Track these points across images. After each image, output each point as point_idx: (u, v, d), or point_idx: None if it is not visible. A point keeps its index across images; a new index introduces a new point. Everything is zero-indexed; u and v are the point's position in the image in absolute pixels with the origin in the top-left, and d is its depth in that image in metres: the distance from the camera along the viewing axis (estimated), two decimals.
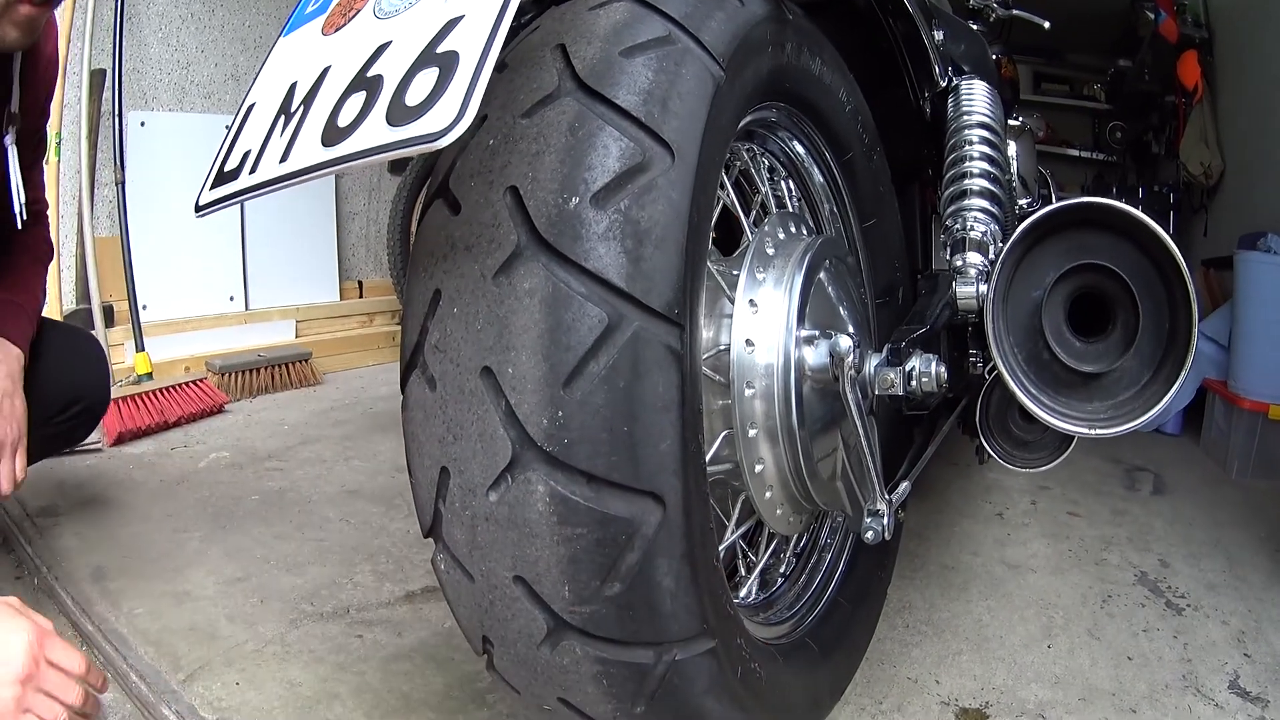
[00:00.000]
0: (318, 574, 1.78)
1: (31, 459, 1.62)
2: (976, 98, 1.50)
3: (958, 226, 1.32)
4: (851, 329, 1.19)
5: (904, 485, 1.26)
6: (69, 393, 1.64)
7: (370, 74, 0.71)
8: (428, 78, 0.66)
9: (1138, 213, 0.72)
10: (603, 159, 0.75)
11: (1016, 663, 1.60)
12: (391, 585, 1.76)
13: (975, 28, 2.25)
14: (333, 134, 0.69)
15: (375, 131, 0.66)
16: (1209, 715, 1.46)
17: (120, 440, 2.57)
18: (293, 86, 0.80)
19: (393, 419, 3.00)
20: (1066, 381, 0.85)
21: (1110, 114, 5.33)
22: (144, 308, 3.01)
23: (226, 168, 0.82)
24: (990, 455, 1.43)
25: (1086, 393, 0.85)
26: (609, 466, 0.72)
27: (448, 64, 0.66)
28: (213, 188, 0.82)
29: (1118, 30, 4.85)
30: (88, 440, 2.46)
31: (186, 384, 2.91)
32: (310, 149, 0.70)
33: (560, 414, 0.70)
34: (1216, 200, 4.17)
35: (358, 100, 0.70)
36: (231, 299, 3.43)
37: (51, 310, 2.55)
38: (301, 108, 0.76)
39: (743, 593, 1.28)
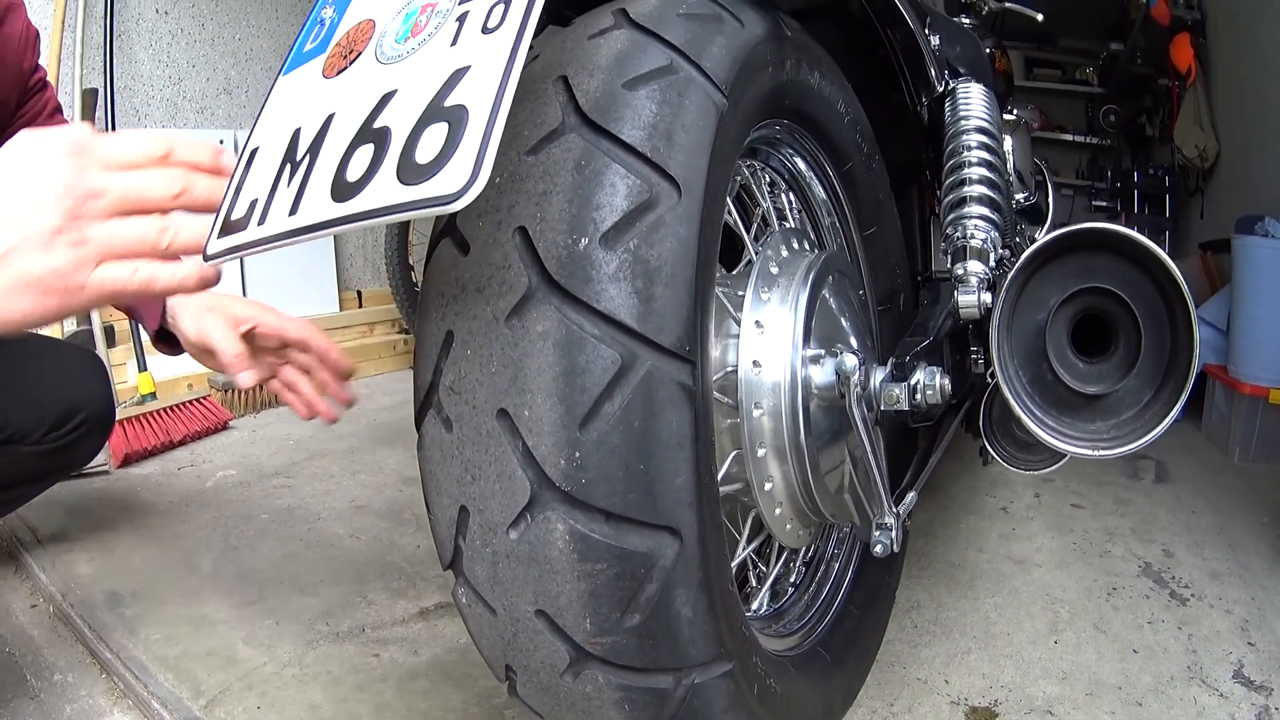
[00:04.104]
0: (331, 593, 1.80)
1: (41, 477, 1.63)
2: (974, 102, 1.51)
3: (958, 235, 1.33)
4: (855, 343, 1.20)
5: (910, 495, 1.27)
6: (67, 403, 1.59)
7: (376, 125, 0.71)
8: (437, 133, 0.66)
9: (1140, 237, 0.73)
10: (610, 198, 0.75)
11: (1024, 659, 1.61)
12: (405, 602, 1.77)
13: (968, 22, 2.26)
14: (343, 189, 0.69)
15: (387, 189, 0.66)
16: (1213, 706, 1.48)
17: (127, 462, 2.58)
18: (296, 133, 0.80)
19: (396, 431, 3.02)
20: (1069, 402, 0.86)
21: (1103, 98, 5.34)
22: None
23: (233, 215, 0.81)
24: (993, 458, 1.44)
25: (1089, 413, 0.86)
26: (626, 504, 0.73)
27: (457, 119, 0.66)
28: (220, 236, 0.82)
29: (1109, 14, 4.86)
30: (95, 463, 2.47)
31: (190, 402, 2.91)
32: (320, 203, 0.70)
33: (577, 455, 0.71)
34: (1212, 182, 4.19)
35: (366, 153, 0.70)
36: None
37: (53, 333, 2.55)
38: (307, 157, 0.76)
39: (755, 605, 1.29)
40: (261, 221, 0.76)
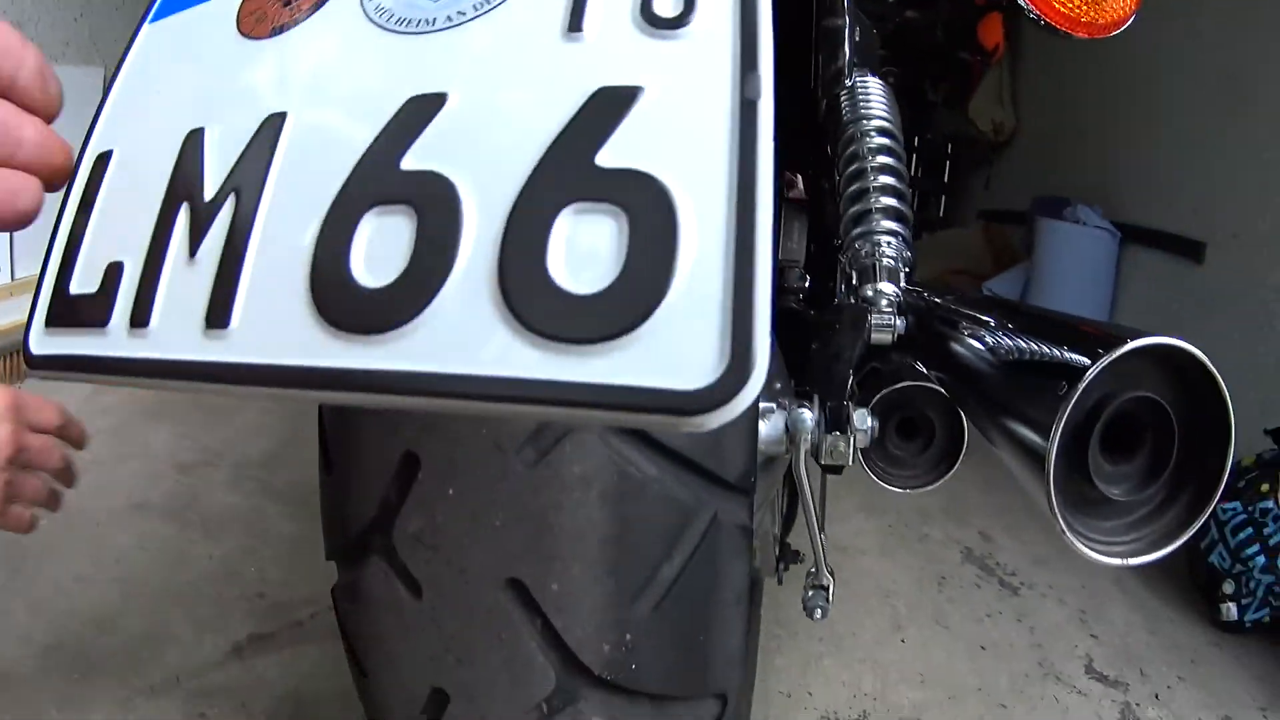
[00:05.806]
0: (131, 629, 1.51)
1: None
2: (873, 99, 1.41)
3: (865, 251, 1.23)
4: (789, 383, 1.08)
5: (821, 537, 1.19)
6: None
7: (409, 166, 0.33)
8: (598, 233, 0.30)
9: (1205, 359, 0.66)
10: None
11: (879, 663, 1.60)
12: (214, 636, 1.51)
13: None
14: (359, 310, 0.32)
15: (493, 340, 0.30)
16: (1076, 704, 1.51)
17: None
18: (195, 136, 0.39)
19: (160, 403, 2.57)
20: (1090, 500, 0.80)
21: (882, 59, 5.42)
22: None
23: (74, 288, 0.40)
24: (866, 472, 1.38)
25: (1102, 510, 0.80)
26: (680, 684, 0.57)
27: (642, 209, 0.30)
28: (52, 326, 0.40)
29: None
30: None
31: None
32: (294, 323, 0.33)
33: (628, 637, 0.54)
34: (1004, 156, 4.31)
35: (399, 228, 0.32)
36: None
37: None
38: (233, 198, 0.36)
39: None
40: (142, 323, 0.37)
